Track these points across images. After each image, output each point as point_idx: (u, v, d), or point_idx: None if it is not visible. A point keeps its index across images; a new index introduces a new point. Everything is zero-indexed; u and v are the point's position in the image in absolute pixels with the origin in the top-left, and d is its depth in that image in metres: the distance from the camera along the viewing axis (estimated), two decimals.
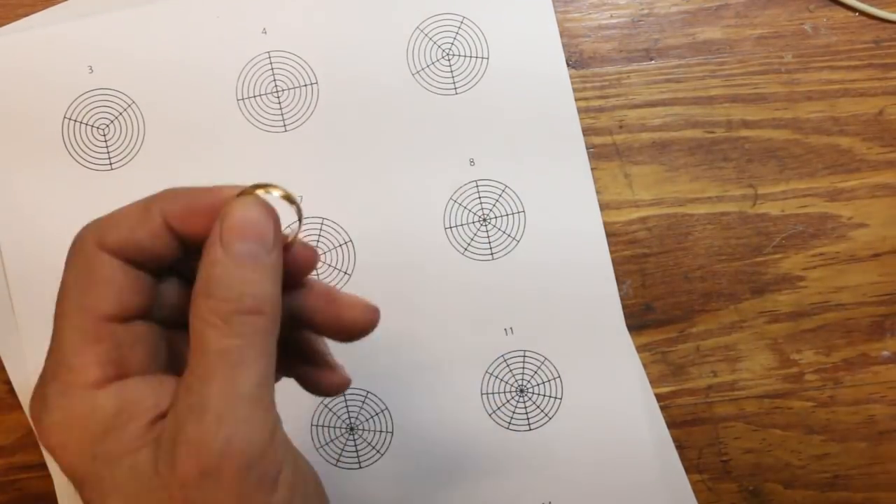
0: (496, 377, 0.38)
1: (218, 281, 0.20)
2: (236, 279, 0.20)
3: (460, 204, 0.38)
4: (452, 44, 0.38)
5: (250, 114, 0.38)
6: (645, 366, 0.37)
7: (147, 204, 0.23)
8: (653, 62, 0.39)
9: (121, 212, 0.23)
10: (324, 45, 0.38)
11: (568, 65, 0.38)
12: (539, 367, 0.38)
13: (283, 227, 0.22)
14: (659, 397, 0.37)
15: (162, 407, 0.21)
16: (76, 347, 0.21)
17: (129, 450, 0.20)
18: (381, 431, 0.37)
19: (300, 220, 0.23)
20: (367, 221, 0.38)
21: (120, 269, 0.22)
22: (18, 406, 0.37)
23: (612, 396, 0.37)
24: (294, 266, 0.23)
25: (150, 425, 0.21)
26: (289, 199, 0.23)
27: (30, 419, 0.19)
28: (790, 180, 0.38)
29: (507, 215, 0.38)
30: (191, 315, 0.21)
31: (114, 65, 0.38)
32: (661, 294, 0.38)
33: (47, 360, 0.21)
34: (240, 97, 0.38)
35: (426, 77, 0.38)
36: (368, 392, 0.37)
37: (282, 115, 0.38)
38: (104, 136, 0.38)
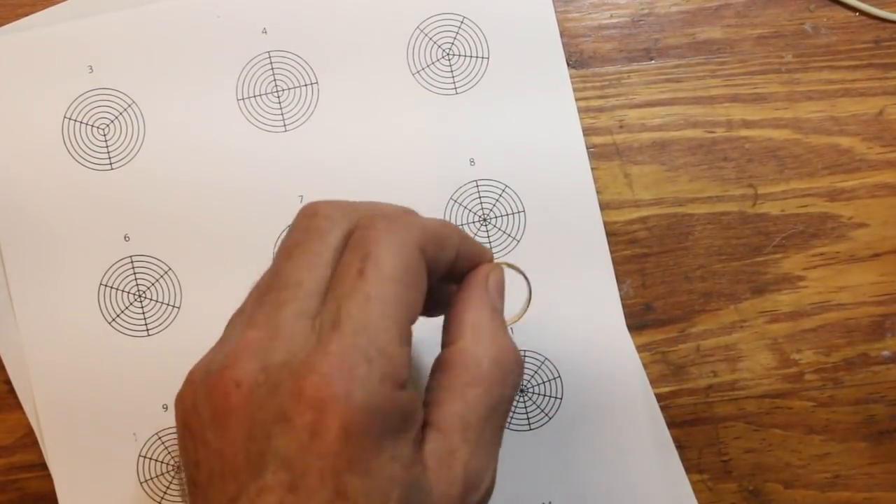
0: None
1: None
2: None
3: (460, 204, 0.38)
4: (452, 44, 0.38)
5: (250, 114, 0.38)
6: (645, 366, 0.37)
7: (452, 231, 0.25)
8: (653, 62, 0.39)
9: (436, 228, 0.24)
10: (324, 45, 0.38)
11: (568, 65, 0.38)
12: (539, 367, 0.38)
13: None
14: (659, 397, 0.37)
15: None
16: (395, 341, 0.21)
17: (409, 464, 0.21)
18: None
19: (530, 291, 0.28)
20: None
21: (426, 280, 0.23)
22: (18, 406, 0.37)
23: (612, 396, 0.37)
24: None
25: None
26: (522, 273, 0.28)
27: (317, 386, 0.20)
28: (790, 180, 0.38)
29: (507, 215, 0.38)
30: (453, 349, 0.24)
31: (114, 65, 0.38)
32: (661, 294, 0.38)
33: (345, 328, 0.21)
34: (240, 97, 0.38)
35: (426, 77, 0.38)
36: None
37: (282, 115, 0.38)
38: (104, 136, 0.38)
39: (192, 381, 0.22)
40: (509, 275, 0.26)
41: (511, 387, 0.24)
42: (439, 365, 0.24)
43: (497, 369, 0.23)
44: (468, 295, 0.25)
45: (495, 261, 0.26)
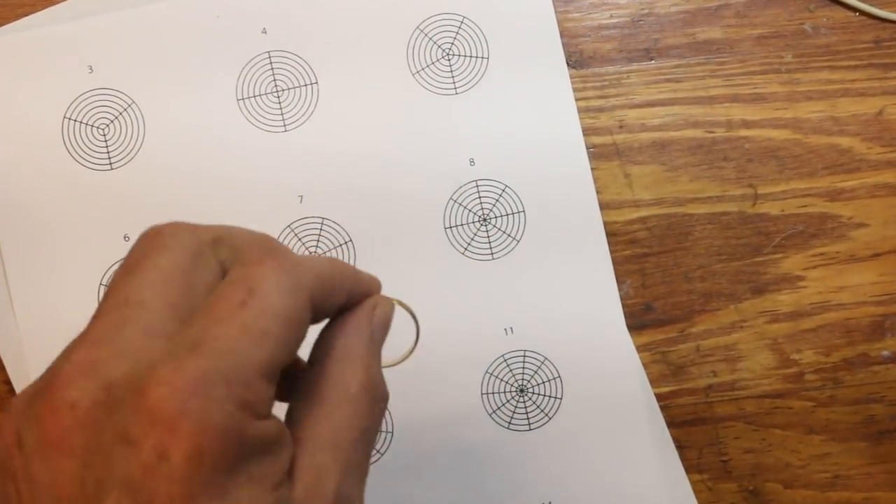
0: (496, 377, 0.38)
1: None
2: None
3: (460, 204, 0.38)
4: (452, 44, 0.38)
5: (250, 114, 0.38)
6: (645, 366, 0.37)
7: (344, 273, 0.24)
8: (653, 62, 0.39)
9: (327, 273, 0.22)
10: (324, 45, 0.38)
11: (568, 65, 0.38)
12: (539, 367, 0.38)
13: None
14: (659, 397, 0.37)
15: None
16: (261, 376, 0.20)
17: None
18: (381, 431, 0.37)
19: (418, 334, 0.28)
20: (367, 221, 0.38)
21: (307, 329, 0.22)
22: None
23: (612, 396, 0.37)
24: None
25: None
26: (412, 314, 0.27)
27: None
28: (790, 180, 0.38)
29: (507, 215, 0.38)
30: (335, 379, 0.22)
31: (114, 65, 0.38)
32: (661, 294, 0.38)
33: (207, 350, 0.19)
34: (240, 97, 0.38)
35: (426, 77, 0.38)
36: None
37: (282, 115, 0.38)
38: (104, 136, 0.38)
39: (11, 411, 0.20)
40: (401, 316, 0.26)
41: (377, 418, 0.23)
42: (304, 384, 0.23)
43: (366, 395, 0.22)
44: (347, 319, 0.23)
45: (389, 297, 0.25)
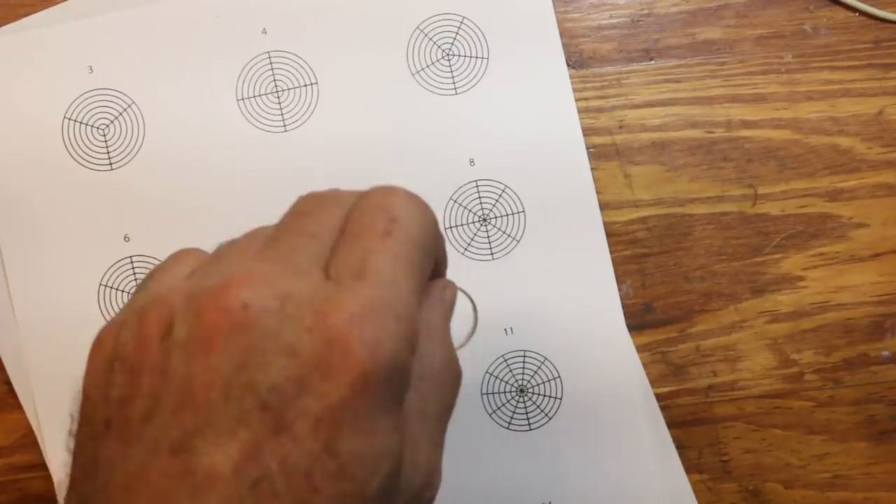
0: (496, 377, 0.38)
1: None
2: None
3: (460, 204, 0.38)
4: (452, 44, 0.38)
5: (250, 114, 0.38)
6: (645, 366, 0.37)
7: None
8: (653, 62, 0.39)
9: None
10: (324, 45, 0.38)
11: (568, 65, 0.38)
12: (539, 367, 0.38)
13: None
14: (659, 397, 0.37)
15: None
16: (414, 307, 0.20)
17: None
18: None
19: (476, 321, 0.27)
20: None
21: (433, 263, 0.22)
22: (18, 406, 0.37)
23: (612, 396, 0.37)
24: None
25: None
26: (471, 301, 0.27)
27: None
28: (790, 180, 0.38)
29: (507, 215, 0.38)
30: None
31: (114, 65, 0.38)
32: (661, 294, 0.38)
33: (373, 280, 0.19)
34: (240, 97, 0.38)
35: (426, 77, 0.38)
36: None
37: (282, 115, 0.38)
38: (104, 136, 0.38)
39: (164, 301, 0.19)
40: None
41: (454, 396, 0.22)
42: None
43: (448, 373, 0.22)
44: (424, 298, 0.22)
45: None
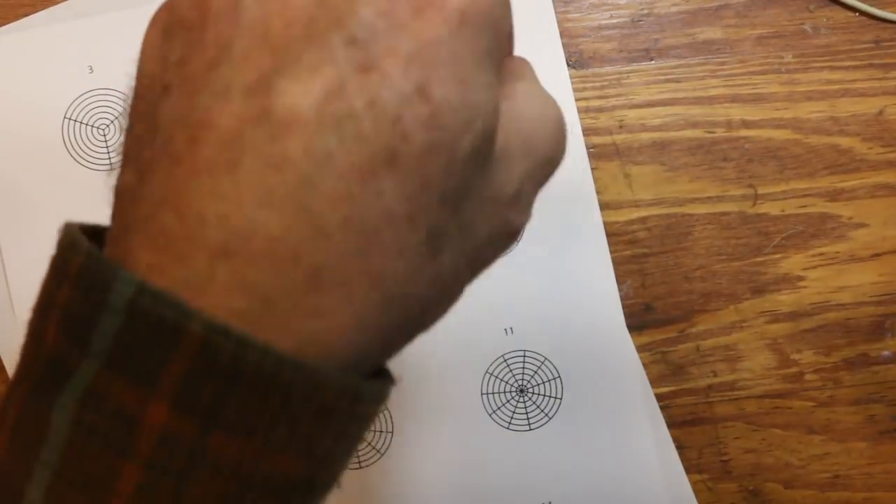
0: (496, 377, 0.38)
1: None
2: None
3: None
4: None
5: None
6: (645, 366, 0.37)
7: None
8: (653, 62, 0.39)
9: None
10: None
11: (568, 65, 0.38)
12: (539, 367, 0.38)
13: None
14: (659, 397, 0.37)
15: None
16: None
17: None
18: (381, 431, 0.37)
19: None
20: None
21: None
22: None
23: (612, 396, 0.37)
24: None
25: None
26: None
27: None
28: (790, 180, 0.38)
29: None
30: None
31: (114, 65, 0.38)
32: (661, 294, 0.38)
33: None
34: None
35: None
36: None
37: None
38: (104, 136, 0.38)
39: None
40: None
41: (561, 149, 0.20)
42: None
43: (559, 121, 0.20)
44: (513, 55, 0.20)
45: None
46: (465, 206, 0.17)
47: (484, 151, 0.16)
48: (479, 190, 0.17)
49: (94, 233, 0.17)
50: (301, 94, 0.15)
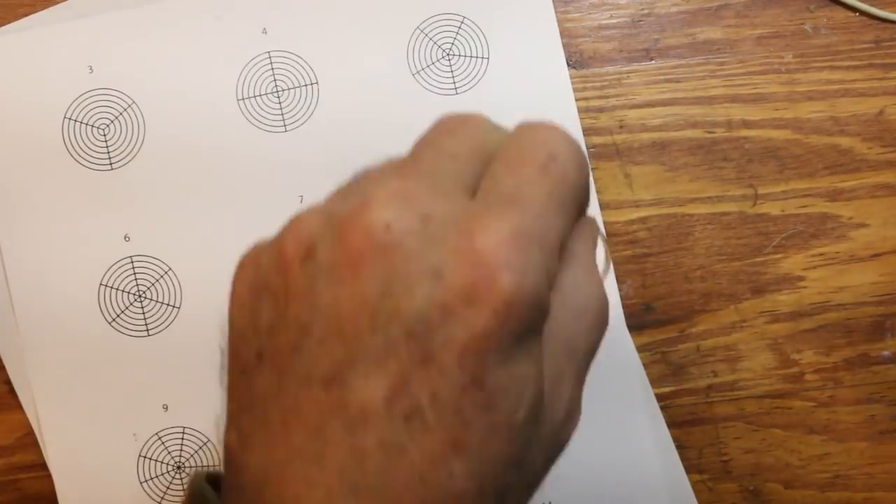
0: None
1: None
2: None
3: None
4: (452, 44, 0.38)
5: (250, 114, 0.38)
6: (645, 366, 0.37)
7: None
8: (653, 62, 0.39)
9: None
10: (324, 45, 0.38)
11: (568, 65, 0.38)
12: None
13: None
14: (659, 397, 0.37)
15: None
16: (558, 246, 0.19)
17: None
18: None
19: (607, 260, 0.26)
20: None
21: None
22: (18, 406, 0.37)
23: (612, 396, 0.37)
24: None
25: None
26: (604, 240, 0.26)
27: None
28: (790, 180, 0.38)
29: None
30: None
31: (114, 65, 0.38)
32: (661, 294, 0.38)
33: (524, 208, 0.18)
34: (240, 97, 0.38)
35: (426, 77, 0.38)
36: None
37: (282, 115, 0.38)
38: (104, 136, 0.38)
39: (301, 224, 0.18)
40: None
41: (600, 328, 0.22)
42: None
43: (593, 299, 0.21)
44: (577, 229, 0.21)
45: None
46: (526, 455, 0.18)
47: (536, 412, 0.18)
48: (536, 436, 0.18)
49: (216, 478, 0.20)
50: (370, 388, 0.16)
